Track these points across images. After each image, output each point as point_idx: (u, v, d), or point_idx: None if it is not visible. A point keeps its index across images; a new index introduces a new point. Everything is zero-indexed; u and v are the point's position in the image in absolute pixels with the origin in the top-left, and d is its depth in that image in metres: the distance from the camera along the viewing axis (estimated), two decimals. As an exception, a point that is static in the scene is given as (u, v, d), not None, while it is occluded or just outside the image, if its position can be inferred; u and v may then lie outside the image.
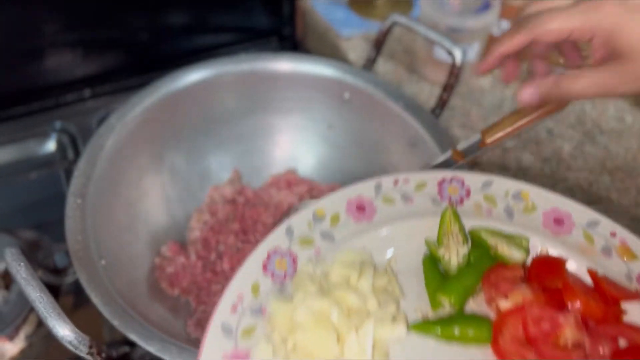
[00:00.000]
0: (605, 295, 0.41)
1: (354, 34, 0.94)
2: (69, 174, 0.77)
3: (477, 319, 0.42)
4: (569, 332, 0.39)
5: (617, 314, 0.40)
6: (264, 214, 0.70)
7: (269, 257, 0.42)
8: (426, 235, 0.46)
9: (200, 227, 0.69)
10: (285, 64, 0.71)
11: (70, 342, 0.43)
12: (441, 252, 0.44)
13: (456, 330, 0.40)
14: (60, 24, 0.79)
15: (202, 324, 0.62)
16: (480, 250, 0.45)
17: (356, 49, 0.92)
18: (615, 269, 0.43)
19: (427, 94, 0.86)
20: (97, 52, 0.85)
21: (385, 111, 0.69)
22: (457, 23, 0.80)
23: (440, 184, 0.48)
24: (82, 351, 0.44)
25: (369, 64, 0.75)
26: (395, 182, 0.48)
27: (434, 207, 0.47)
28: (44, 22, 0.78)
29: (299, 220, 0.45)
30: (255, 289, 0.41)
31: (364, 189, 0.48)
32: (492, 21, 0.82)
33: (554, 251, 0.45)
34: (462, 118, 0.83)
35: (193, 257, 0.67)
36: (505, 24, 0.85)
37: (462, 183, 0.48)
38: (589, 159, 0.79)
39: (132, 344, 0.54)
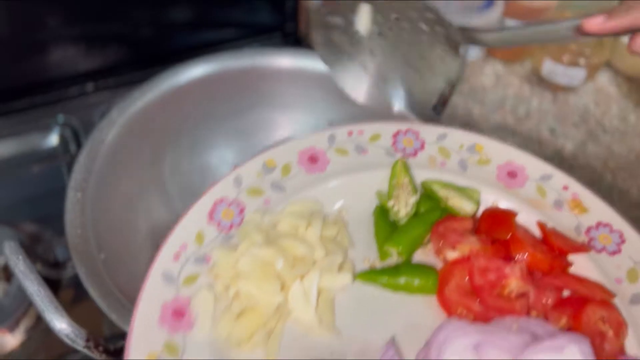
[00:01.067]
0: (553, 247, 0.41)
1: (357, 30, 0.94)
2: (71, 167, 0.77)
3: (423, 269, 0.42)
4: (514, 282, 0.39)
5: (563, 266, 0.41)
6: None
7: (215, 206, 0.42)
8: (378, 187, 0.46)
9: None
10: (286, 60, 0.71)
11: (67, 336, 0.44)
12: (390, 203, 0.44)
13: (402, 280, 0.41)
14: (64, 17, 0.79)
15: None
16: (431, 203, 0.45)
17: (359, 45, 0.92)
18: (565, 222, 0.44)
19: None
20: (101, 46, 0.85)
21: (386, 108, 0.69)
22: (460, 21, 0.80)
23: (395, 135, 0.48)
24: (79, 345, 0.44)
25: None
26: (350, 133, 0.48)
27: (388, 159, 0.47)
28: (48, 15, 0.78)
29: (248, 170, 0.44)
30: (200, 238, 0.40)
31: (317, 140, 0.47)
32: (495, 19, 0.82)
33: (505, 204, 0.45)
34: (465, 116, 0.83)
35: (193, 252, 0.67)
36: (510, 22, 0.85)
37: (417, 135, 0.48)
38: (592, 158, 0.78)
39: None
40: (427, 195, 0.45)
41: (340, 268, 0.41)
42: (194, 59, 0.71)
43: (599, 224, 0.43)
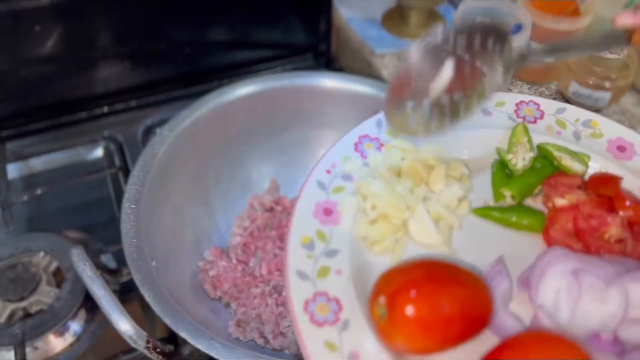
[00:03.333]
0: None
1: (387, 51, 0.98)
2: (115, 180, 0.82)
3: (533, 211, 0.47)
4: (614, 230, 0.43)
5: None
6: (300, 222, 0.73)
7: (359, 139, 0.50)
8: (499, 144, 0.51)
9: (240, 233, 0.73)
10: (325, 81, 0.75)
11: (130, 337, 0.47)
12: (509, 156, 0.49)
13: (513, 217, 0.46)
14: (111, 36, 0.83)
15: (242, 325, 0.65)
16: (545, 162, 0.50)
17: (389, 66, 0.95)
18: None
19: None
20: (144, 64, 0.89)
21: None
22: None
23: (518, 104, 0.53)
24: (140, 345, 0.48)
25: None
26: None
27: (510, 122, 0.52)
28: (97, 34, 0.82)
29: None
30: (346, 160, 0.48)
31: None
32: (523, 43, 0.84)
33: (612, 172, 0.49)
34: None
35: (234, 261, 0.70)
36: (536, 46, 0.88)
37: (538, 106, 0.54)
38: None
39: (176, 343, 0.57)
40: (543, 156, 0.50)
41: (460, 201, 0.47)
42: (234, 78, 0.75)
43: None
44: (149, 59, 0.89)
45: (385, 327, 0.37)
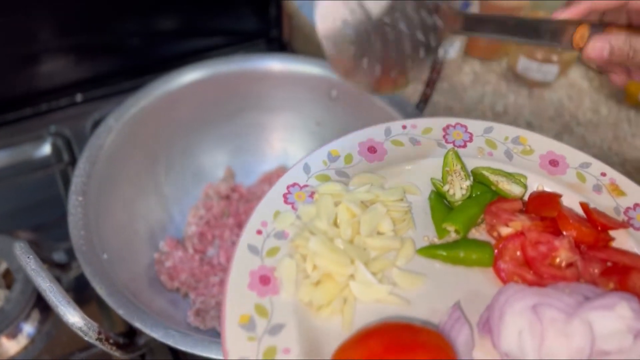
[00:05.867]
0: (596, 224, 0.45)
1: (339, 34, 0.97)
2: (64, 176, 0.79)
3: (480, 244, 0.45)
4: (563, 253, 0.43)
5: (606, 241, 0.45)
6: (258, 208, 0.73)
7: (288, 190, 0.46)
8: (432, 174, 0.49)
9: (196, 222, 0.71)
10: (274, 64, 0.74)
11: (80, 329, 0.45)
12: (446, 187, 0.48)
13: (461, 253, 0.44)
14: (53, 29, 0.81)
15: (201, 314, 0.64)
16: (483, 187, 0.49)
17: (342, 49, 0.95)
18: (605, 204, 0.47)
19: (411, 90, 0.89)
20: (90, 57, 0.87)
21: (371, 107, 0.72)
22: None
23: (445, 129, 0.52)
24: (92, 337, 0.46)
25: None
26: (404, 127, 0.52)
27: (440, 150, 0.51)
28: (38, 28, 0.79)
29: (315, 159, 0.49)
30: (277, 216, 0.44)
31: (374, 133, 0.51)
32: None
33: (549, 189, 0.49)
34: (445, 113, 0.86)
35: (190, 251, 0.69)
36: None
37: (466, 129, 0.52)
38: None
39: (132, 336, 0.56)
40: (478, 181, 0.49)
41: (403, 243, 0.44)
42: (184, 66, 0.73)
43: (636, 205, 0.47)
44: (95, 51, 0.87)
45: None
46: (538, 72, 0.88)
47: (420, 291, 0.42)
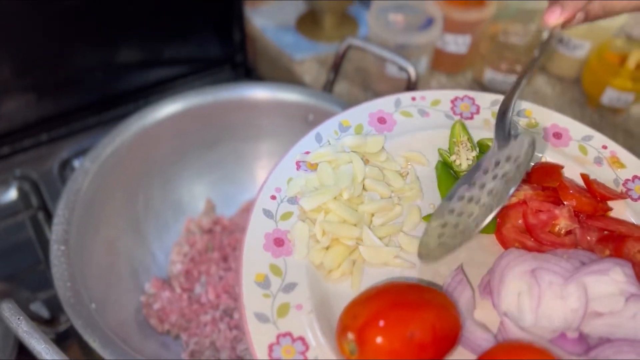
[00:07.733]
0: (595, 194, 0.46)
1: (305, 57, 0.97)
2: (34, 220, 0.76)
3: None
4: (563, 222, 0.45)
5: (605, 210, 0.46)
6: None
7: (301, 157, 0.47)
8: (440, 145, 0.50)
9: (181, 260, 0.69)
10: (249, 93, 0.73)
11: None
12: (452, 158, 0.49)
13: None
14: (10, 69, 0.77)
15: (196, 355, 0.62)
16: None
17: (310, 71, 0.95)
18: (605, 176, 0.49)
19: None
20: (51, 95, 0.83)
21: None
22: (405, 40, 0.84)
23: (453, 101, 0.53)
24: (93, 397, 0.44)
25: (329, 85, 0.78)
26: (413, 99, 0.53)
27: (448, 121, 0.52)
28: (-6, 68, 0.76)
29: (327, 129, 0.50)
30: (291, 182, 0.46)
31: (384, 104, 0.52)
32: (436, 35, 0.87)
33: (552, 160, 0.50)
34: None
35: (178, 290, 0.67)
36: (450, 37, 0.90)
37: (473, 101, 0.53)
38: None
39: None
40: (484, 152, 0.50)
41: (410, 210, 0.46)
42: (155, 100, 0.71)
43: (635, 177, 0.49)
44: (56, 88, 0.83)
45: (358, 362, 0.36)
46: (504, 83, 0.91)
47: None
